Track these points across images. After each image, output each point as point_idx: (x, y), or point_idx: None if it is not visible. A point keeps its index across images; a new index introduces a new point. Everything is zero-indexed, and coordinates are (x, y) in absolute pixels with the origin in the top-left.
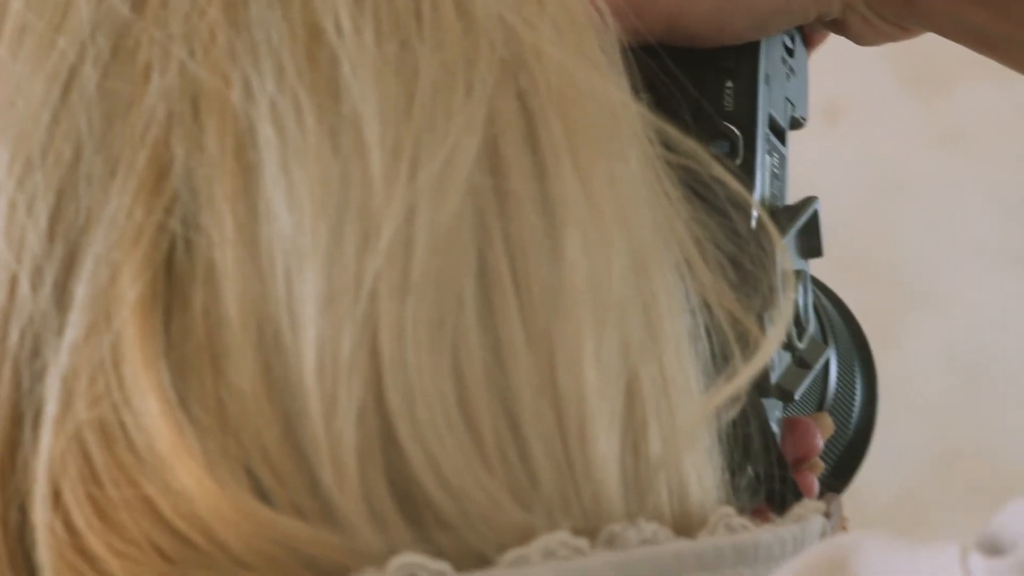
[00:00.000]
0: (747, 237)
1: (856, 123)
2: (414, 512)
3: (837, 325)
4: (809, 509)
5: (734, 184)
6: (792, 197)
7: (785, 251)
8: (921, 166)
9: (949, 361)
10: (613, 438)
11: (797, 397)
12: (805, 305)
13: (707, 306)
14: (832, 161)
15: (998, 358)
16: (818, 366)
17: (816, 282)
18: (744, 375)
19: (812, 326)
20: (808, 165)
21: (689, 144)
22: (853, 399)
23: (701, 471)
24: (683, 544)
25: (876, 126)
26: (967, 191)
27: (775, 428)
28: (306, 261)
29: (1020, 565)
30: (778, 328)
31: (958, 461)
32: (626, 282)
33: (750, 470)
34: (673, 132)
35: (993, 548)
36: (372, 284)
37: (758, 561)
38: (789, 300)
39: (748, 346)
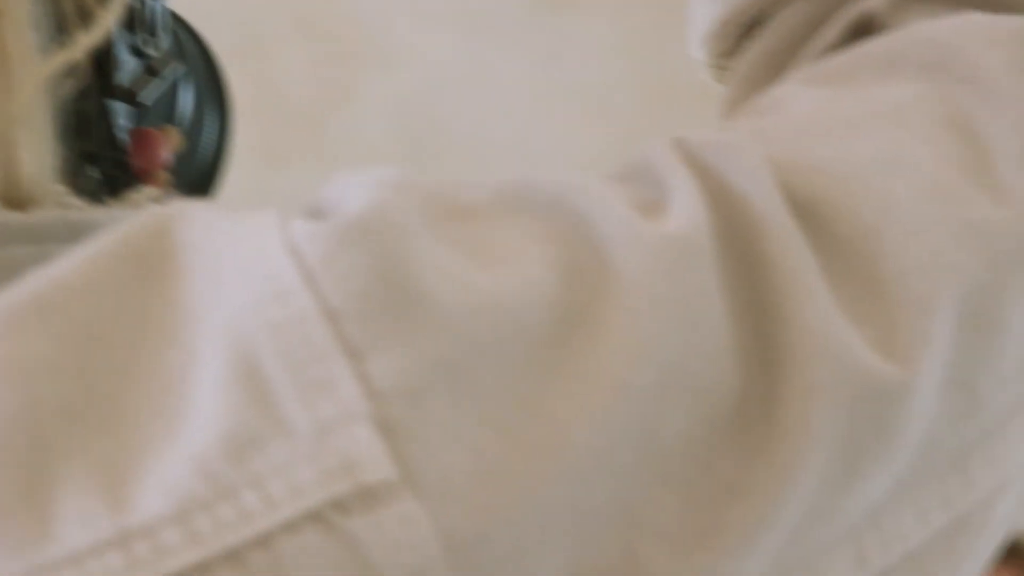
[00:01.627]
0: None
1: None
2: None
3: (195, 56)
4: (145, 196)
5: None
6: None
7: None
8: None
9: (397, 120)
10: None
11: (143, 101)
12: (157, 14)
13: None
14: None
15: (443, 116)
16: (167, 77)
17: (178, 17)
18: (81, 45)
19: (165, 41)
20: None
21: None
22: (203, 125)
23: (35, 149)
24: (11, 216)
25: None
26: None
27: (122, 135)
28: None
29: (337, 227)
30: (115, 5)
31: None
32: None
33: (94, 170)
34: None
35: (315, 215)
36: None
37: (90, 239)
38: None
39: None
